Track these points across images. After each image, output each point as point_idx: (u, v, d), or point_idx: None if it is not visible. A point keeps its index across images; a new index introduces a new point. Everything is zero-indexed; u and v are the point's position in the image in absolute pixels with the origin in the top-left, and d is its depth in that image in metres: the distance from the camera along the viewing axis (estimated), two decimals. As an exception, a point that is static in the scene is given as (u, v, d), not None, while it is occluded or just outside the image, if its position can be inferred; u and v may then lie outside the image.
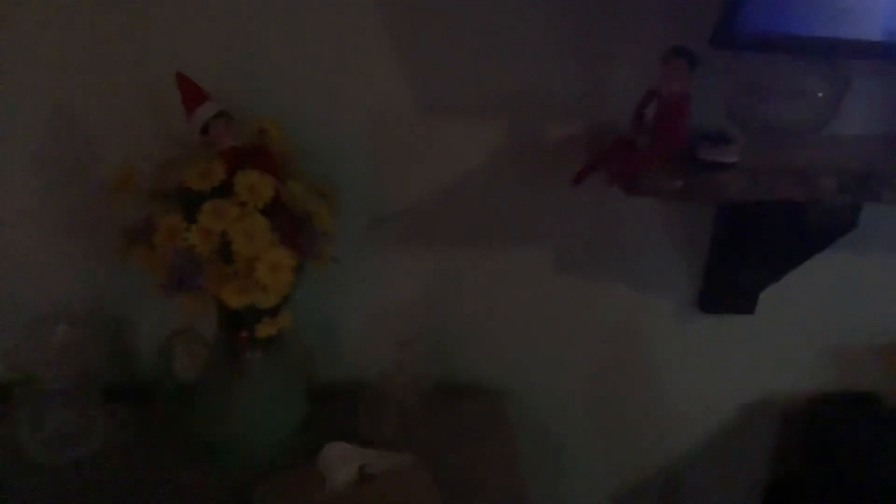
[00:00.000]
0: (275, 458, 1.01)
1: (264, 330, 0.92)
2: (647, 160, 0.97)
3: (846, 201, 1.04)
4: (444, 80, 1.06)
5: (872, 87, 1.09)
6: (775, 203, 1.02)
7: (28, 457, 1.00)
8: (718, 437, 1.39)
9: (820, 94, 1.01)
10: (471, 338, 1.25)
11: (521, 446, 1.13)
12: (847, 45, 0.94)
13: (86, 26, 0.98)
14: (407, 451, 1.03)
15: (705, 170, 0.98)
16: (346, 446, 1.02)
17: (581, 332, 1.27)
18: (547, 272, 1.21)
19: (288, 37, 1.01)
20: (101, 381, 1.05)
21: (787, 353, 1.32)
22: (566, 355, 1.28)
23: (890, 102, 1.11)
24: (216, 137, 0.89)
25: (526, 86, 1.07)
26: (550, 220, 1.17)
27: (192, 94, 0.90)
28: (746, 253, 1.16)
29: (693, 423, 1.38)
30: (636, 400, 1.34)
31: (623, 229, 1.19)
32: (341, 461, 1.00)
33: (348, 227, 1.04)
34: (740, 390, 1.36)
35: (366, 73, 1.04)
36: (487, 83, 1.06)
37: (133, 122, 1.03)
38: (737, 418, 1.37)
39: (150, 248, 0.86)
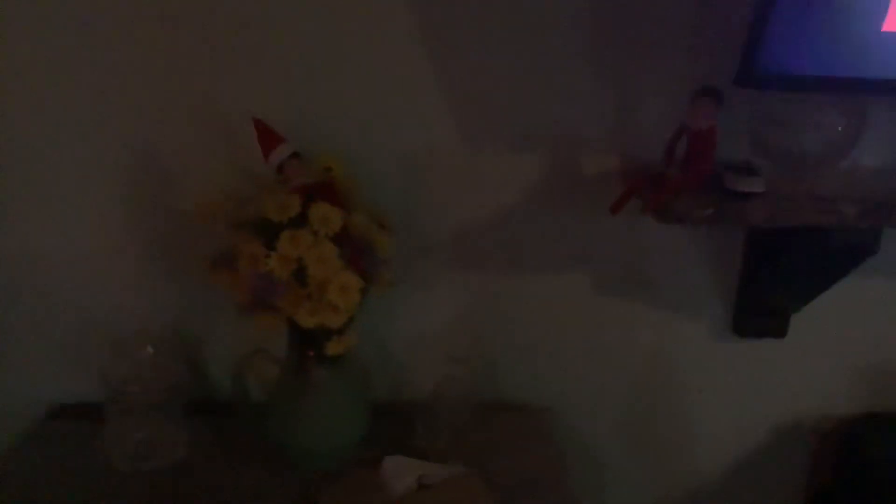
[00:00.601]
0: (340, 466, 1.08)
1: (333, 348, 1.00)
2: (677, 190, 1.02)
3: (867, 227, 1.08)
4: (486, 117, 1.12)
5: (891, 121, 1.13)
6: (800, 229, 1.07)
7: (115, 467, 1.07)
8: (752, 458, 1.41)
9: (839, 128, 1.05)
10: (514, 358, 1.28)
11: (565, 460, 1.17)
12: (863, 83, 0.98)
13: (168, 73, 1.07)
14: (459, 463, 1.09)
15: (733, 198, 1.04)
16: (405, 459, 1.08)
17: (618, 353, 1.30)
18: (586, 296, 1.25)
19: (346, 82, 1.09)
20: (181, 397, 1.11)
21: (819, 375, 1.34)
22: (605, 376, 1.31)
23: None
24: (290, 175, 0.97)
25: (563, 121, 1.12)
26: (588, 247, 1.21)
27: (268, 138, 0.99)
28: (775, 277, 1.20)
29: (727, 443, 1.40)
30: (672, 421, 1.37)
31: (658, 256, 1.23)
32: (401, 472, 1.06)
33: (399, 253, 1.10)
34: (773, 412, 1.38)
35: (414, 113, 1.11)
36: (526, 118, 1.12)
37: (209, 158, 1.11)
38: (770, 439, 1.39)
39: (233, 272, 0.95)
